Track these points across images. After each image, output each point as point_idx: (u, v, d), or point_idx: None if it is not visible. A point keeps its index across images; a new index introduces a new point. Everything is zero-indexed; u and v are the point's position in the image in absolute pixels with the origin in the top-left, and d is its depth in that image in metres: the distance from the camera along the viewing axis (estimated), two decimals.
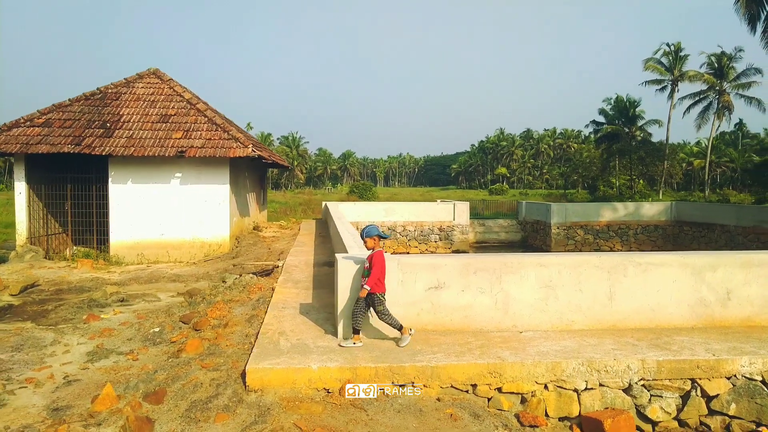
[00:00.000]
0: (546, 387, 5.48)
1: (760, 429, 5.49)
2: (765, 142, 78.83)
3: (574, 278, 6.51)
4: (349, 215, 21.45)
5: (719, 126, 57.89)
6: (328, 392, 5.29)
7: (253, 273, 12.77)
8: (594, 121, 64.26)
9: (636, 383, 5.54)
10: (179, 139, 15.74)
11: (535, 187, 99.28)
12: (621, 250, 24.48)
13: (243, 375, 5.48)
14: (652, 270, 6.59)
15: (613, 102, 62.53)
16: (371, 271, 5.91)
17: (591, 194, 64.63)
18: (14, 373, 6.83)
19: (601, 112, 63.54)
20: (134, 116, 16.46)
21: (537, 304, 6.51)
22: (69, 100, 16.80)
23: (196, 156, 15.33)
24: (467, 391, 5.44)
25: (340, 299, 6.15)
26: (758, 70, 52.14)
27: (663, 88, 57.53)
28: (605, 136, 62.78)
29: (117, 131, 15.75)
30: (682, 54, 56.57)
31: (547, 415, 5.46)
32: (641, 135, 61.24)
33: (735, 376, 5.60)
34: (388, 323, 6.01)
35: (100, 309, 10.49)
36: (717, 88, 53.72)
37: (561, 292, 6.51)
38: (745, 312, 6.70)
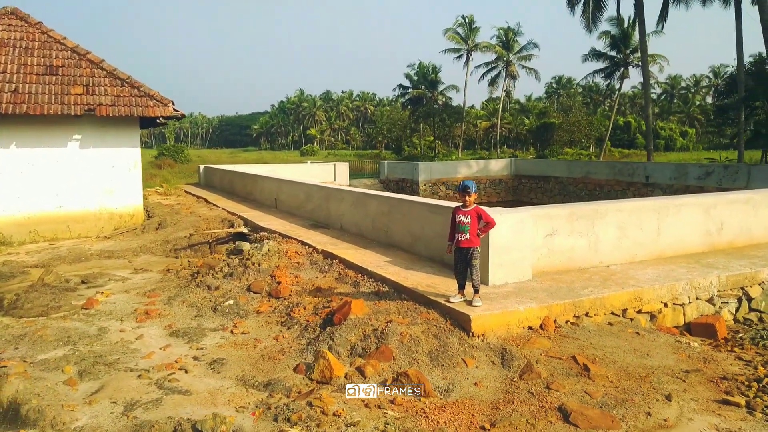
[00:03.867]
0: (665, 305, 6.89)
1: None
2: (526, 107, 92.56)
3: (638, 219, 8.00)
4: None
5: (508, 92, 66.54)
6: (530, 329, 5.96)
7: (227, 240, 12.09)
8: (401, 85, 68.49)
9: (715, 295, 7.27)
10: (81, 95, 13.59)
11: (337, 148, 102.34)
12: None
13: (456, 323, 5.83)
14: (683, 209, 8.40)
15: (416, 68, 67.26)
16: (486, 224, 6.11)
17: (397, 155, 69.25)
18: (128, 364, 6.05)
19: (407, 76, 67.98)
20: (9, 66, 13.63)
21: (614, 242, 7.88)
22: None
23: (108, 115, 13.48)
24: (619, 315, 6.58)
25: (492, 253, 6.70)
26: (536, 45, 61.03)
27: (460, 57, 63.87)
28: (411, 99, 67.61)
29: None
30: (474, 26, 63.16)
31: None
32: (442, 99, 67.36)
33: (764, 282, 7.66)
34: (476, 280, 6.05)
35: (72, 293, 9.23)
36: (505, 58, 61.46)
37: (630, 231, 7.96)
38: (729, 237, 8.94)
